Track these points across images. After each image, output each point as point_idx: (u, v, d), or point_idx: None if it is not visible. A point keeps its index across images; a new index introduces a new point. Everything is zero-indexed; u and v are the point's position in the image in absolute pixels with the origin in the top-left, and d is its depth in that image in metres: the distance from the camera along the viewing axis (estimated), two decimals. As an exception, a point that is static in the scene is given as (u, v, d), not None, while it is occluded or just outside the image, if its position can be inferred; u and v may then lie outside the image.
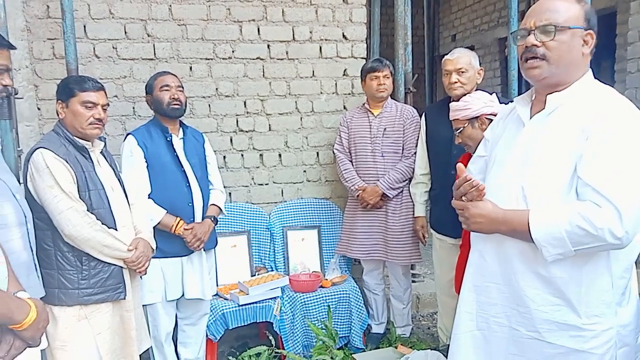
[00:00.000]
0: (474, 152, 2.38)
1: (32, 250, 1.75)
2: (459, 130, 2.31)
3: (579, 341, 1.38)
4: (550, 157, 1.38)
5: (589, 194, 1.28)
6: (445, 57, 2.77)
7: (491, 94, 2.36)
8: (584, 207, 1.28)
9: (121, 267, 2.07)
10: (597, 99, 1.37)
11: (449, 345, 2.77)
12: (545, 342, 1.41)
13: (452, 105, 2.39)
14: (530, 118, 1.49)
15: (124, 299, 2.07)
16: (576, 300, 1.37)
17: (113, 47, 3.08)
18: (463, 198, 1.50)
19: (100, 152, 2.16)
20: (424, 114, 3.01)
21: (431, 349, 2.75)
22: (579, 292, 1.37)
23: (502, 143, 1.56)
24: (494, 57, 6.60)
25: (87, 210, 1.98)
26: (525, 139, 1.46)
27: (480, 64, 2.78)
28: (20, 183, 1.93)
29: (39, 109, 3.00)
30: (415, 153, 3.02)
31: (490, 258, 1.51)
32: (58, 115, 2.07)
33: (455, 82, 2.67)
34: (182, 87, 2.63)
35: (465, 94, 2.68)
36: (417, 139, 3.01)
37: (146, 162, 2.48)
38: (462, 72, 2.66)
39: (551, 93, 1.43)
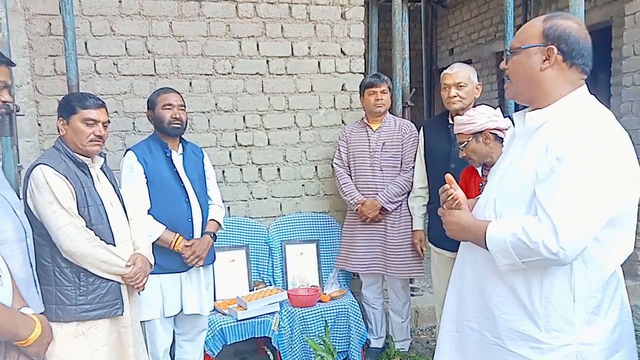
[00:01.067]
0: (477, 167, 2.40)
1: (31, 266, 1.76)
2: (463, 145, 2.33)
3: (537, 352, 1.41)
4: (518, 173, 1.44)
5: (538, 209, 1.33)
6: (445, 71, 2.80)
7: (495, 109, 2.39)
8: (528, 221, 1.33)
9: (119, 283, 2.07)
10: (572, 117, 1.38)
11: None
12: (507, 350, 1.46)
13: (457, 119, 2.41)
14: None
15: (122, 315, 2.06)
16: (535, 313, 1.41)
17: (114, 64, 3.11)
18: (444, 206, 1.60)
19: (100, 168, 2.17)
20: (422, 128, 3.03)
21: (430, 364, 2.74)
22: (538, 304, 1.40)
23: (501, 157, 1.64)
24: (491, 71, 6.65)
25: (86, 226, 1.98)
26: (510, 154, 1.53)
27: (477, 78, 2.81)
28: (20, 199, 1.94)
29: (39, 125, 3.02)
30: (413, 167, 3.03)
31: (467, 265, 1.59)
32: (59, 131, 2.09)
33: (454, 97, 2.69)
34: (184, 106, 2.65)
35: (463, 108, 2.71)
36: (416, 153, 3.04)
37: (146, 177, 2.50)
38: (461, 86, 2.69)
39: (532, 110, 1.48)
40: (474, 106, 2.71)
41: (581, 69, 1.42)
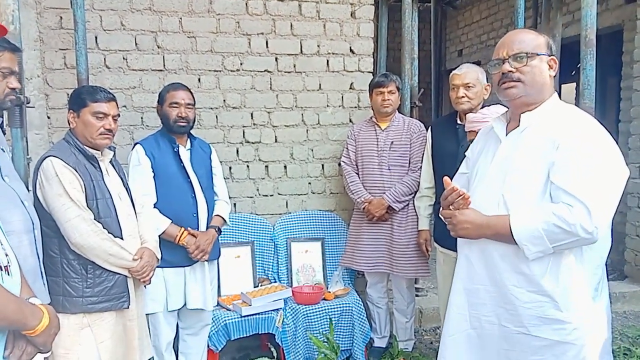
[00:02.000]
0: None
1: (39, 258, 1.77)
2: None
3: (561, 333, 1.53)
4: (526, 167, 1.56)
5: (562, 196, 1.47)
6: (453, 71, 2.79)
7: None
8: (558, 208, 1.46)
9: (126, 276, 2.08)
10: (564, 116, 1.59)
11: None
12: (532, 336, 1.55)
13: (470, 116, 2.41)
14: (507, 135, 1.68)
15: (128, 308, 2.08)
16: (556, 295, 1.52)
17: (123, 58, 3.13)
18: (450, 207, 1.67)
19: (110, 162, 2.19)
20: (430, 128, 3.02)
21: (434, 364, 2.74)
22: (557, 286, 1.52)
23: (482, 159, 1.75)
24: (500, 73, 6.62)
25: (94, 219, 2.00)
26: (503, 154, 1.65)
27: (486, 79, 2.80)
28: (29, 190, 1.95)
29: (48, 117, 3.04)
30: (421, 167, 3.03)
31: (476, 262, 1.66)
32: (69, 124, 2.10)
33: (462, 97, 2.69)
34: (193, 104, 2.64)
35: (471, 109, 2.70)
36: (424, 153, 3.03)
37: (153, 171, 2.51)
38: (470, 87, 2.68)
39: (524, 112, 1.63)
40: (482, 107, 2.70)
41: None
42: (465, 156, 2.23)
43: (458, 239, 1.74)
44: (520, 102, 1.64)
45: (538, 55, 1.60)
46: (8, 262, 1.25)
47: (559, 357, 1.53)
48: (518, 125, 1.65)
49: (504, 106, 2.41)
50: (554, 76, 1.64)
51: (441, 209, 1.73)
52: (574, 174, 1.46)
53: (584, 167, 1.46)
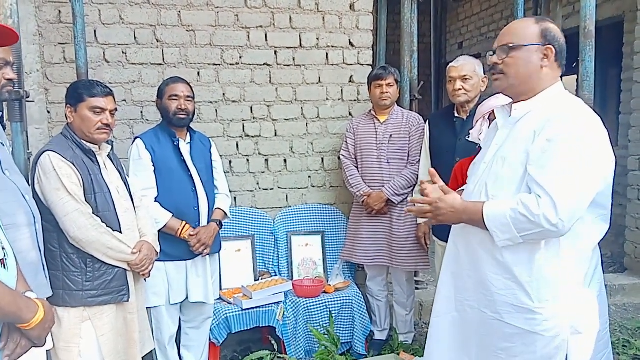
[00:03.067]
0: None
1: (40, 251, 1.78)
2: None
3: (532, 323, 1.53)
4: (508, 157, 1.57)
5: (534, 187, 1.47)
6: (450, 64, 2.79)
7: None
8: (527, 197, 1.47)
9: (125, 269, 2.09)
10: (555, 107, 1.55)
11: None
12: (504, 323, 1.58)
13: (488, 102, 2.38)
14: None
15: (127, 301, 2.09)
16: (528, 285, 1.53)
17: (123, 52, 3.12)
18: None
19: (108, 156, 2.19)
20: (427, 121, 3.02)
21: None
22: (530, 276, 1.52)
23: (484, 148, 1.78)
24: (500, 65, 6.60)
25: (93, 213, 2.01)
26: (495, 142, 1.67)
27: (485, 71, 2.79)
28: (29, 184, 1.96)
29: (48, 112, 3.04)
30: (420, 160, 3.03)
31: (461, 247, 1.71)
32: (67, 118, 2.11)
33: (460, 89, 2.69)
34: (192, 97, 2.64)
35: (468, 102, 2.70)
36: (422, 146, 3.03)
37: (153, 165, 2.51)
38: (467, 79, 2.68)
39: (517, 102, 1.63)
40: (479, 99, 2.70)
41: (562, 67, 1.62)
42: (468, 141, 2.29)
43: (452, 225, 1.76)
44: (509, 93, 1.65)
45: (525, 46, 1.56)
46: (4, 256, 1.25)
47: (528, 346, 1.55)
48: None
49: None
50: (547, 66, 1.58)
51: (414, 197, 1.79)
52: (546, 164, 1.46)
53: (557, 157, 1.45)
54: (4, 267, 1.25)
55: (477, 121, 2.40)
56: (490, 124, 2.36)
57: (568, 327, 1.54)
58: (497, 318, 1.59)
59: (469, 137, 2.46)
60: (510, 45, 1.58)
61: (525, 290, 1.53)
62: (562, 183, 1.43)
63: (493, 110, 2.34)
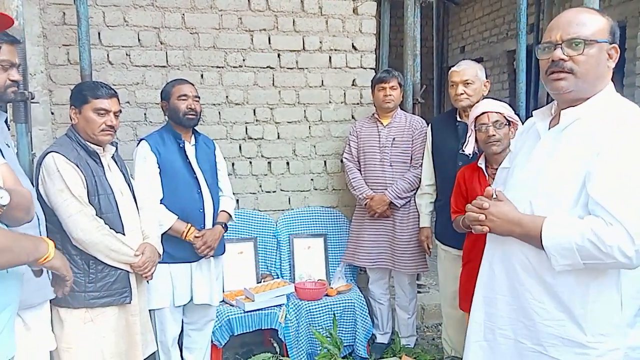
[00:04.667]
0: (497, 153, 2.31)
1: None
2: (499, 123, 2.28)
3: (583, 358, 1.36)
4: (559, 173, 1.37)
5: (599, 212, 1.28)
6: (452, 68, 2.79)
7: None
8: (597, 224, 1.27)
9: (127, 271, 2.09)
10: (612, 115, 1.35)
11: (453, 356, 2.76)
12: (549, 357, 1.41)
13: (489, 101, 2.38)
14: (547, 132, 1.49)
15: (130, 303, 2.09)
16: (581, 317, 1.35)
17: (126, 54, 3.13)
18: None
19: (111, 157, 2.19)
20: (430, 125, 3.03)
21: (435, 360, 2.74)
22: (584, 308, 1.35)
23: (520, 156, 1.57)
24: (502, 70, 6.61)
25: (96, 215, 2.01)
26: (539, 153, 1.46)
27: (488, 76, 2.80)
28: (33, 185, 1.96)
29: (52, 113, 3.05)
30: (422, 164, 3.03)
31: (498, 270, 1.52)
32: (71, 120, 2.11)
33: (462, 94, 2.69)
34: (199, 97, 2.65)
35: (470, 106, 2.70)
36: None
37: (159, 167, 2.51)
38: (468, 83, 2.68)
39: (566, 108, 1.42)
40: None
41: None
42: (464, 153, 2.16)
43: (487, 243, 1.60)
44: (570, 97, 1.40)
45: (598, 42, 1.34)
46: None
47: None
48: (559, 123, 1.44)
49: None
50: (611, 67, 1.39)
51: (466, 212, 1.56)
52: (615, 188, 1.26)
53: (626, 181, 1.26)
54: (6, 271, 1.26)
55: (469, 131, 2.39)
56: (475, 133, 2.36)
57: None
58: (539, 351, 1.42)
59: (463, 150, 2.46)
60: (586, 40, 1.34)
61: (578, 322, 1.36)
62: (636, 210, 1.24)
63: (476, 118, 2.35)
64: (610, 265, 1.30)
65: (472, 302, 1.62)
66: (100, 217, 2.02)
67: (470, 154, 2.44)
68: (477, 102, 2.69)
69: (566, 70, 1.36)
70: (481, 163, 2.40)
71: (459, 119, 2.81)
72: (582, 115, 1.39)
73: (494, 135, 2.27)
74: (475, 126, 2.35)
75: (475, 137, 2.38)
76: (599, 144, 1.31)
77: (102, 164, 2.11)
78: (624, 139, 1.29)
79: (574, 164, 1.35)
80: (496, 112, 2.30)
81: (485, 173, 2.37)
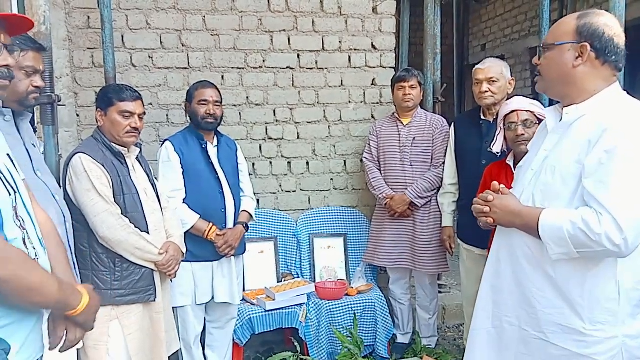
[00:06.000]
0: (525, 152, 2.30)
1: (70, 250, 1.82)
2: (528, 122, 2.27)
3: (581, 346, 1.43)
4: (558, 167, 1.46)
5: (592, 202, 1.36)
6: (477, 66, 2.76)
7: None
8: (587, 213, 1.35)
9: (152, 269, 2.13)
10: (611, 112, 1.41)
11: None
12: (550, 344, 1.47)
13: (519, 98, 2.37)
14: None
15: (154, 301, 2.13)
16: (579, 305, 1.42)
17: (149, 57, 3.18)
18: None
19: (136, 158, 2.23)
20: (453, 123, 3.00)
21: (457, 361, 2.72)
22: (582, 297, 1.42)
23: (530, 152, 1.66)
24: (524, 67, 6.51)
25: (122, 214, 2.05)
26: (545, 148, 1.55)
27: (510, 73, 2.76)
28: (59, 186, 2.01)
29: (77, 115, 3.12)
30: (444, 162, 3.01)
31: (503, 259, 1.60)
32: (97, 122, 2.16)
33: (486, 92, 2.66)
34: (220, 101, 2.67)
35: (495, 104, 2.68)
36: (446, 149, 3.01)
37: (182, 167, 2.55)
38: (493, 81, 2.65)
39: (567, 106, 1.51)
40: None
41: (614, 65, 1.46)
42: (490, 151, 2.19)
43: (495, 233, 1.67)
44: (550, 95, 1.58)
45: (556, 45, 1.46)
46: (36, 256, 1.28)
47: None
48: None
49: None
50: (582, 64, 1.44)
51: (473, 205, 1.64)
52: (605, 179, 1.34)
53: (617, 171, 1.32)
54: None
55: (498, 129, 2.38)
56: (504, 132, 2.34)
57: (622, 351, 1.41)
58: (541, 337, 1.49)
59: (491, 148, 2.44)
60: (545, 45, 1.50)
61: (576, 310, 1.42)
62: (625, 201, 1.31)
63: (505, 116, 2.33)
64: (602, 254, 1.37)
65: (479, 289, 1.69)
66: (126, 216, 2.06)
67: (498, 153, 2.41)
68: (502, 100, 2.67)
69: (539, 73, 1.55)
70: (509, 160, 2.38)
71: (482, 117, 2.78)
72: (585, 113, 1.46)
73: (522, 134, 2.26)
74: (504, 124, 2.33)
75: (504, 135, 2.35)
76: (594, 138, 1.38)
77: (127, 164, 2.15)
78: (616, 133, 1.35)
79: (573, 158, 1.42)
80: (526, 111, 2.28)
81: (514, 170, 2.35)
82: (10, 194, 1.22)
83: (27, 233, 1.26)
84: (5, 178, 1.23)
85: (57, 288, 1.23)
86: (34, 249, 1.30)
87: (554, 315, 1.46)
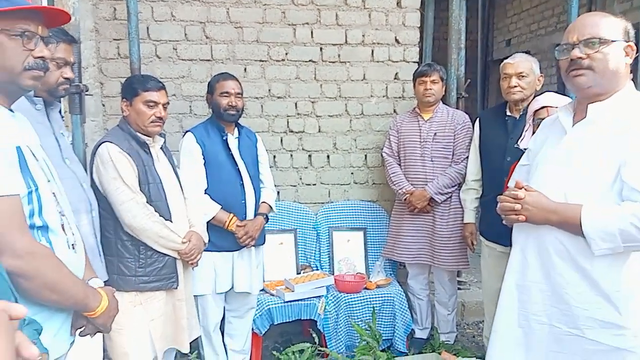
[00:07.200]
0: None
1: (96, 237, 1.87)
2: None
3: (620, 339, 1.42)
4: (592, 164, 1.47)
5: (637, 197, 1.37)
6: (506, 60, 2.72)
7: None
8: (637, 208, 1.36)
9: (175, 258, 2.16)
10: (637, 107, 1.47)
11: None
12: (586, 339, 1.46)
13: (550, 94, 2.35)
14: (573, 126, 1.58)
15: (177, 288, 2.16)
16: (616, 298, 1.42)
17: (173, 48, 3.22)
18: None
19: (160, 148, 2.27)
20: (478, 119, 2.96)
21: (477, 358, 2.70)
22: (619, 289, 1.42)
23: (545, 150, 1.65)
24: (550, 63, 6.39)
25: (146, 202, 2.08)
26: (567, 146, 1.55)
27: (540, 70, 2.71)
28: (87, 174, 2.05)
29: (103, 105, 3.17)
30: (465, 159, 2.98)
31: (531, 255, 1.58)
32: (122, 112, 2.19)
33: (515, 87, 2.62)
34: (241, 93, 2.69)
35: (523, 100, 2.64)
36: (468, 145, 2.98)
37: (204, 158, 2.58)
38: (523, 76, 2.61)
39: (592, 103, 1.52)
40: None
41: (630, 65, 1.54)
42: (518, 148, 2.17)
43: (514, 230, 1.65)
44: (590, 92, 1.52)
45: (613, 41, 1.47)
46: (74, 241, 1.32)
47: None
48: (585, 117, 1.54)
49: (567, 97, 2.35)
50: (628, 64, 1.52)
51: (499, 204, 1.61)
52: None
53: None
54: (75, 251, 1.32)
55: (527, 124, 2.35)
56: (534, 127, 2.31)
57: None
58: (576, 334, 1.48)
59: (518, 144, 2.40)
60: (601, 39, 1.47)
61: (613, 303, 1.43)
62: None
63: (535, 112, 2.30)
64: None
65: (502, 288, 1.67)
66: (150, 205, 2.09)
67: (525, 149, 2.38)
68: (530, 96, 2.63)
69: (584, 67, 1.49)
70: None
71: (508, 113, 2.74)
72: (607, 110, 1.50)
73: None
74: (533, 120, 2.30)
75: (533, 132, 2.32)
76: (630, 134, 1.42)
77: (151, 154, 2.19)
78: None
79: (605, 154, 1.44)
80: (556, 107, 2.24)
81: None
82: (49, 180, 1.25)
83: (67, 219, 1.30)
84: (47, 165, 1.27)
85: (77, 290, 1.26)
86: (73, 235, 1.34)
87: (590, 310, 1.45)
